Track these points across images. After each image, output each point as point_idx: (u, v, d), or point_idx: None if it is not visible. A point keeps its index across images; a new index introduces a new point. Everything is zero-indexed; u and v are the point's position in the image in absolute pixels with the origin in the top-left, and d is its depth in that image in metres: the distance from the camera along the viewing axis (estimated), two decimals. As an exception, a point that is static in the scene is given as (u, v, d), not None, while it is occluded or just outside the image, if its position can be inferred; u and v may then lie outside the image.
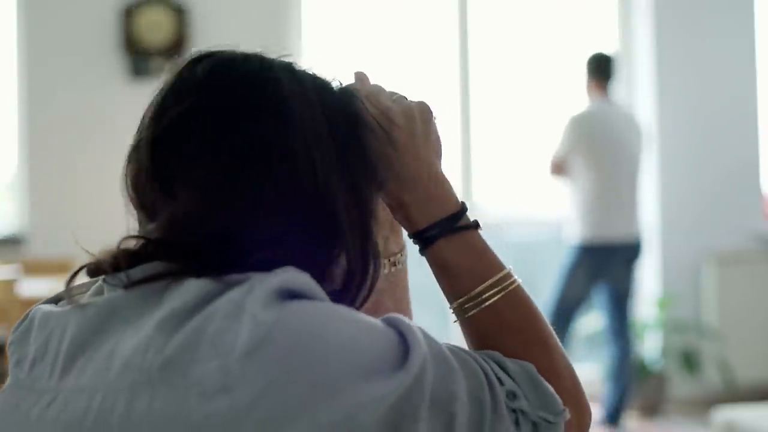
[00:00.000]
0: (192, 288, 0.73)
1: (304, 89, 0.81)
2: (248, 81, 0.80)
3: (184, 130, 0.79)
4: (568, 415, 0.81)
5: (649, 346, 4.69)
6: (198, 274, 0.74)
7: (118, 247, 0.79)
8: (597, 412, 4.25)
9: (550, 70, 4.94)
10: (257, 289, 0.71)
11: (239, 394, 0.67)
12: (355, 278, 0.81)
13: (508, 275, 0.87)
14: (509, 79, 4.95)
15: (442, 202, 0.89)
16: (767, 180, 5.04)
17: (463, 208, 0.89)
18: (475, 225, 0.89)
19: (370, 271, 0.82)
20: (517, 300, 0.87)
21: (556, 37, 4.97)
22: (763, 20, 5.03)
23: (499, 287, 0.86)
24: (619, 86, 4.88)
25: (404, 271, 0.97)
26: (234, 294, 0.71)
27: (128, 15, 4.24)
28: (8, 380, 0.81)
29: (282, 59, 0.84)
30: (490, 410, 0.76)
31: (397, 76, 4.86)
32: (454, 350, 0.78)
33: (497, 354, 0.83)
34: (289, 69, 0.83)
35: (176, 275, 0.75)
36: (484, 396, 0.76)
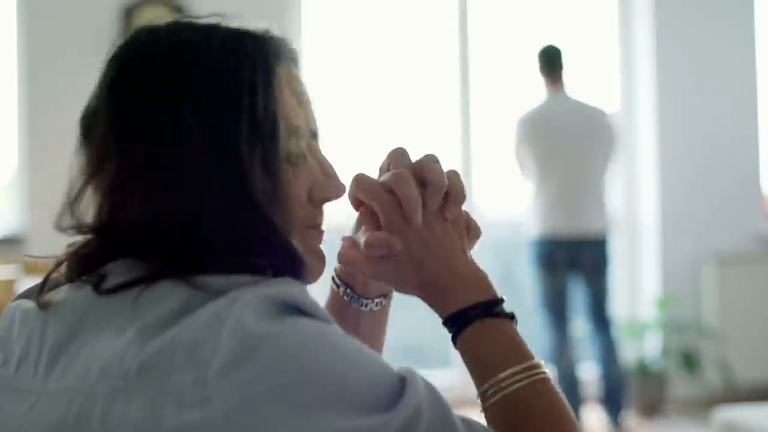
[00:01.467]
0: (172, 294, 0.72)
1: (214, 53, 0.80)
2: (165, 56, 0.80)
3: (103, 127, 0.80)
4: None
5: (649, 346, 4.69)
6: (171, 275, 0.74)
7: (75, 250, 0.81)
8: (596, 414, 4.25)
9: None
10: (240, 302, 0.69)
11: (214, 409, 0.66)
12: (285, 256, 0.78)
13: (539, 365, 0.84)
14: (509, 79, 4.95)
15: (483, 285, 0.87)
16: (767, 180, 5.05)
17: (501, 298, 0.87)
18: (512, 316, 0.87)
19: (296, 250, 0.79)
20: (544, 391, 0.83)
21: (556, 37, 4.96)
22: (764, 20, 5.03)
23: (528, 374, 0.83)
24: (618, 86, 4.88)
25: (387, 313, 0.98)
26: (216, 305, 0.70)
27: (128, 15, 4.24)
28: None
29: (196, 23, 0.83)
30: None
31: (397, 76, 4.86)
32: (468, 421, 0.75)
33: None
34: (201, 32, 0.82)
35: (150, 279, 0.74)
36: None
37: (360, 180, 0.87)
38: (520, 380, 0.82)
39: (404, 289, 0.89)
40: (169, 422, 0.67)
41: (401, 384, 0.71)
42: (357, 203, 0.89)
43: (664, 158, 4.80)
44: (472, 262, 0.88)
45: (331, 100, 4.71)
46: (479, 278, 0.87)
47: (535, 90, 4.27)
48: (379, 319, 0.98)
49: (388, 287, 0.95)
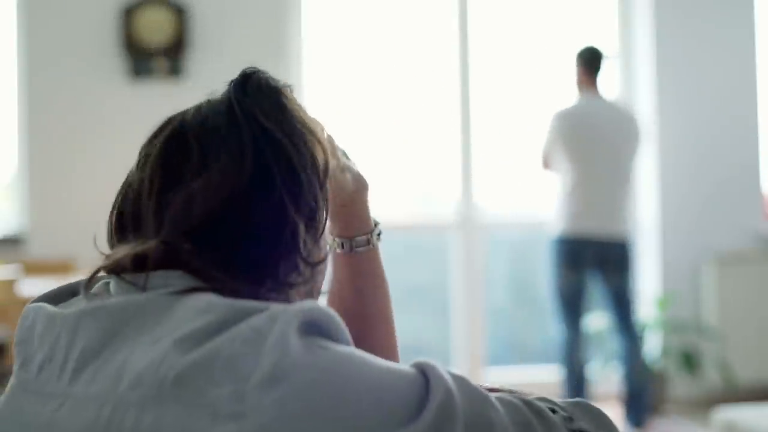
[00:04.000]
0: (210, 308, 0.73)
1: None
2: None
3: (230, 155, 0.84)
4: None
5: (649, 346, 4.68)
6: (216, 291, 0.75)
7: (134, 249, 0.79)
8: (618, 412, 4.25)
9: (550, 70, 4.94)
10: (281, 320, 0.71)
11: (248, 424, 0.67)
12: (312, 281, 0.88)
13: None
14: (509, 78, 4.95)
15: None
16: (767, 180, 5.04)
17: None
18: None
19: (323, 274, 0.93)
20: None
21: (556, 37, 4.97)
22: (763, 19, 5.03)
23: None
24: (618, 85, 4.88)
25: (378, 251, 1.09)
26: (256, 321, 0.71)
27: (128, 15, 4.24)
28: (12, 381, 0.80)
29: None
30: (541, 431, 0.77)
31: (397, 76, 4.86)
32: (501, 398, 0.79)
33: (543, 397, 0.85)
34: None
35: (190, 291, 0.76)
36: (529, 419, 0.77)
37: None
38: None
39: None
40: None
41: (426, 379, 0.74)
42: None
43: (663, 157, 4.80)
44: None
45: (331, 100, 4.71)
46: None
47: (534, 90, 4.27)
48: (374, 257, 1.07)
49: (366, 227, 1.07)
